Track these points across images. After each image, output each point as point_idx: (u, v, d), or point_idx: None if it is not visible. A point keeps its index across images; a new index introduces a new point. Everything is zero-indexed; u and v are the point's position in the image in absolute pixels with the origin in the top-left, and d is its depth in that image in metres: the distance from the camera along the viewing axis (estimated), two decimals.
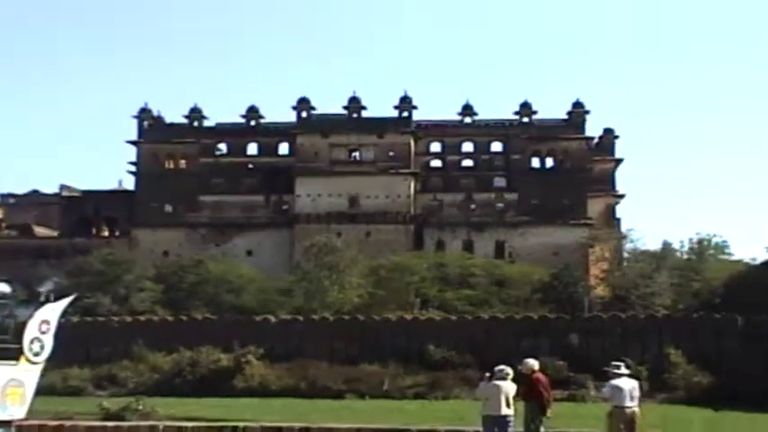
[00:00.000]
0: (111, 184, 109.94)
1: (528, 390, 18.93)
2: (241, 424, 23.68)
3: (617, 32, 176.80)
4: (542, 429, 18.82)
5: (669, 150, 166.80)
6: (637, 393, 18.88)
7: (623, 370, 19.16)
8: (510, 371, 18.92)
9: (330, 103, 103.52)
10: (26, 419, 20.84)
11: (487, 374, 19.29)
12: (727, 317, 63.27)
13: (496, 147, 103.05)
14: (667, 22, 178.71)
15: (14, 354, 20.24)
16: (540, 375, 19.45)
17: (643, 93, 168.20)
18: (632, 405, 18.55)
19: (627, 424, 18.30)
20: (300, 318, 69.05)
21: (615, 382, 18.83)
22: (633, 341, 54.17)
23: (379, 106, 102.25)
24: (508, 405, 18.41)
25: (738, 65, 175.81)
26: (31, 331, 20.49)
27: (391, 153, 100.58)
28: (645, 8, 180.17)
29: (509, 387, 18.57)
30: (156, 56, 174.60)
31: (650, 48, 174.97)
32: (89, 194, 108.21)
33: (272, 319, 69.07)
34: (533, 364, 19.51)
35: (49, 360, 21.12)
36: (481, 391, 19.28)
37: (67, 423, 24.11)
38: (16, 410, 20.22)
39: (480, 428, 18.65)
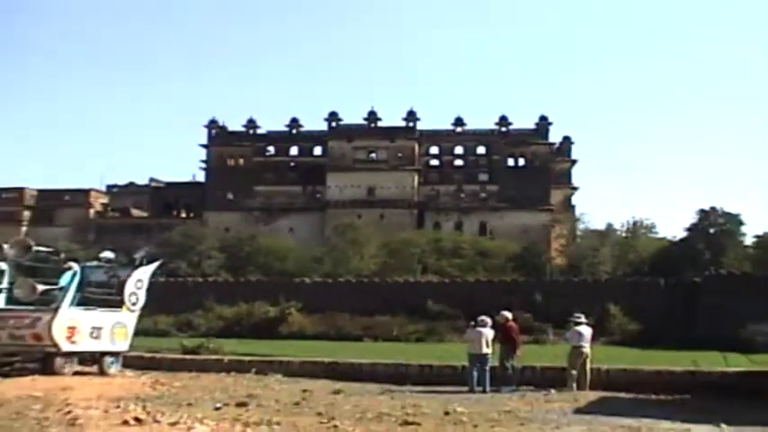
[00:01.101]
0: (187, 177, 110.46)
1: (503, 335, 19.18)
2: (285, 359, 23.94)
3: (575, 63, 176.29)
4: (514, 364, 19.10)
5: (612, 154, 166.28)
6: (589, 338, 19.21)
7: (583, 320, 19.48)
8: (489, 320, 19.18)
9: (353, 116, 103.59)
10: (128, 351, 21.29)
11: (472, 323, 19.56)
12: (653, 280, 63.34)
13: (481, 150, 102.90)
14: (618, 48, 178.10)
15: (118, 303, 20.73)
16: (512, 324, 19.70)
17: (593, 108, 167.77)
18: (587, 346, 18.87)
19: (583, 359, 18.64)
20: (330, 280, 69.20)
21: (577, 328, 19.14)
22: (582, 299, 53.63)
23: (391, 118, 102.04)
24: (487, 346, 18.66)
25: (674, 85, 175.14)
26: (129, 287, 20.98)
27: (400, 154, 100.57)
28: (597, 35, 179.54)
29: (488, 332, 18.84)
30: (221, 79, 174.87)
31: (601, 72, 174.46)
32: (171, 185, 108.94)
33: (308, 280, 69.25)
34: (507, 315, 19.77)
35: (143, 309, 21.62)
36: (467, 336, 19.55)
37: (157, 355, 24.54)
38: (121, 344, 20.74)
39: (466, 363, 18.95)
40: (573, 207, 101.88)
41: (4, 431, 10.95)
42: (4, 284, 19.95)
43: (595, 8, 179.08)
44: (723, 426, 12.48)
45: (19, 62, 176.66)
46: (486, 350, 18.53)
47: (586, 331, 19.07)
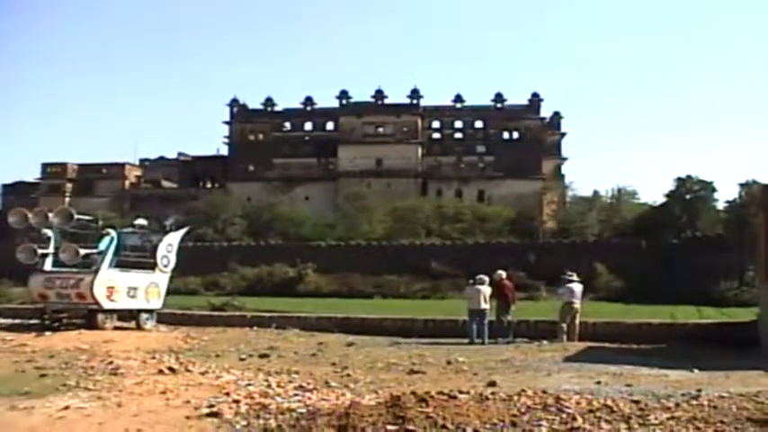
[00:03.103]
0: (212, 152, 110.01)
1: (498, 292, 19.24)
2: (302, 314, 24.06)
3: (564, 44, 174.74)
4: (509, 318, 19.18)
5: (597, 127, 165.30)
6: (580, 294, 19.24)
7: (575, 278, 19.49)
8: (486, 279, 19.24)
9: (362, 94, 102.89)
10: (162, 308, 21.47)
11: (471, 281, 19.61)
12: (635, 242, 63.55)
13: (479, 124, 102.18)
14: (602, 29, 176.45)
15: (151, 265, 20.88)
16: (506, 282, 19.74)
17: (581, 85, 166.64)
18: (577, 302, 18.89)
19: (573, 314, 18.71)
20: (342, 243, 69.46)
21: (569, 285, 19.15)
22: (572, 259, 54.04)
23: (397, 96, 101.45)
24: (485, 302, 18.73)
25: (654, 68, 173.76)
26: (161, 250, 21.11)
27: (405, 129, 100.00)
28: (583, 17, 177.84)
29: (486, 290, 18.90)
30: (242, 62, 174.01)
31: (588, 52, 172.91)
32: (198, 159, 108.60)
33: (323, 244, 69.52)
34: (502, 274, 19.81)
35: (173, 270, 21.75)
36: (466, 293, 19.62)
37: (188, 312, 24.70)
38: (155, 303, 20.90)
39: (466, 318, 19.06)
40: (563, 176, 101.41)
41: (56, 378, 11.13)
42: (51, 249, 20.16)
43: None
44: (695, 370, 12.58)
45: (57, 49, 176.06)
46: (483, 306, 18.60)
47: (577, 288, 19.09)
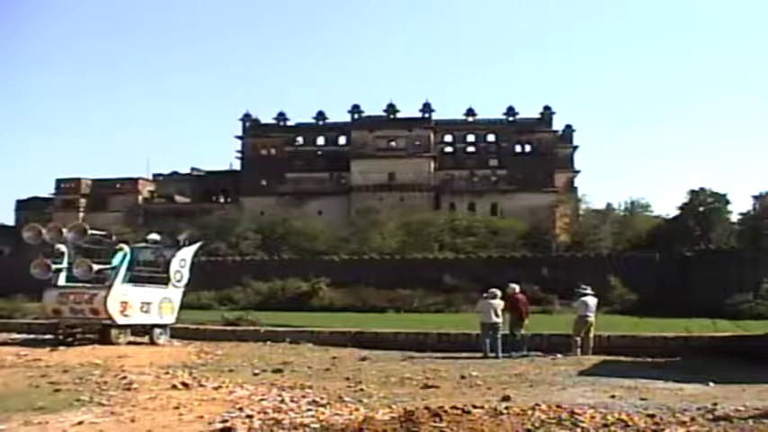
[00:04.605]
0: (224, 166, 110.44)
1: (511, 305, 19.15)
2: (316, 329, 24.01)
3: (576, 56, 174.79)
4: (523, 332, 19.10)
5: (610, 139, 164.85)
6: (595, 307, 19.12)
7: (589, 291, 19.37)
8: (498, 292, 19.16)
9: (374, 108, 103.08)
10: (175, 323, 21.48)
11: (484, 295, 19.54)
12: (649, 254, 63.21)
13: (491, 138, 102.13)
14: (613, 41, 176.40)
15: (164, 280, 20.88)
16: (519, 296, 19.63)
17: (593, 99, 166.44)
18: (591, 315, 18.77)
19: (587, 328, 18.60)
20: (355, 257, 69.40)
21: (584, 299, 19.03)
22: (585, 272, 53.61)
23: (409, 110, 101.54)
24: (497, 315, 18.63)
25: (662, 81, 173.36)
26: (174, 265, 21.10)
27: (417, 142, 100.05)
28: (593, 30, 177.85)
29: (498, 303, 18.81)
30: (254, 77, 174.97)
31: (599, 65, 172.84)
32: (211, 173, 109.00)
33: (336, 258, 69.47)
34: (515, 287, 19.71)
35: (187, 285, 21.74)
36: (479, 307, 19.52)
37: (201, 327, 24.69)
38: (169, 318, 20.89)
39: (479, 332, 18.99)
40: (575, 189, 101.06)
41: (70, 394, 11.16)
42: (64, 264, 20.25)
43: (591, 8, 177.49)
44: (711, 384, 12.48)
45: (71, 64, 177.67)
46: (495, 319, 18.50)
47: (592, 301, 18.97)
